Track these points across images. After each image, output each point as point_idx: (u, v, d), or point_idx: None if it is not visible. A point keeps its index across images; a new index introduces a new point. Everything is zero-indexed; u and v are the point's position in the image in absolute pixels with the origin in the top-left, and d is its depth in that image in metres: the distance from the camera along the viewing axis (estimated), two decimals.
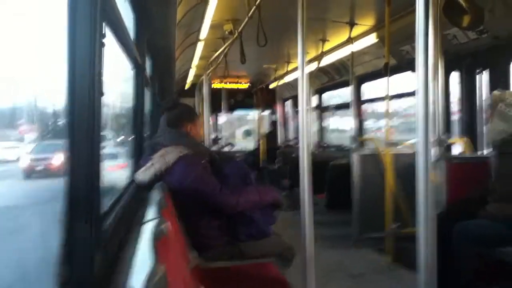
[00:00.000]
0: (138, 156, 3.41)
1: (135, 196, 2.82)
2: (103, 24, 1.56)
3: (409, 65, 4.54)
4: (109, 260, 1.57)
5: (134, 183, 2.77)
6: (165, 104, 2.78)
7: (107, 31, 1.69)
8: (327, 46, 6.01)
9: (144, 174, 2.39)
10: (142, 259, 1.02)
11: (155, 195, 2.01)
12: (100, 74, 1.48)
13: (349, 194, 4.45)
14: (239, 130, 14.42)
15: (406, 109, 8.77)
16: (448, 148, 3.86)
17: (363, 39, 5.26)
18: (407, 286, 3.21)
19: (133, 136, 3.55)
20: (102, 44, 1.54)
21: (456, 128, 4.48)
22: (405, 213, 4.00)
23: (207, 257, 2.38)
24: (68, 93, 1.36)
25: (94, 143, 1.42)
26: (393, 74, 4.21)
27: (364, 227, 4.38)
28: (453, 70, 4.34)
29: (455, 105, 4.46)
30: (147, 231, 1.27)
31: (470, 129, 4.27)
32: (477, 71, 4.18)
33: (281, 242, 2.67)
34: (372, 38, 5.20)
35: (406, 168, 4.11)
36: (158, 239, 1.25)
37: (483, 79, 4.16)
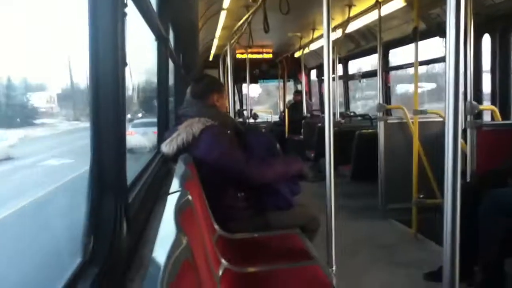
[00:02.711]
0: (164, 128, 3.44)
1: (161, 168, 2.85)
2: None
3: (439, 29, 4.37)
4: (135, 231, 1.60)
5: (159, 155, 2.80)
6: (191, 76, 2.77)
7: (129, 1, 1.67)
8: (354, 11, 5.84)
9: (170, 145, 2.39)
10: (167, 230, 1.03)
11: (180, 167, 2.02)
12: (123, 44, 1.46)
13: (375, 165, 4.40)
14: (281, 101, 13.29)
15: None
16: (479, 115, 3.74)
17: (391, 3, 5.07)
18: (434, 256, 3.19)
19: (158, 108, 3.58)
20: (124, 14, 1.52)
21: (487, 94, 4.32)
22: (432, 183, 3.93)
23: (232, 228, 2.39)
24: (90, 63, 1.35)
25: (119, 114, 1.41)
26: (422, 39, 4.06)
27: (390, 197, 4.33)
28: (485, 33, 4.15)
29: (486, 70, 4.29)
30: (171, 202, 1.28)
31: (503, 96, 4.12)
32: None
33: (306, 213, 2.67)
34: (400, 2, 5.01)
35: (435, 137, 4.01)
36: (182, 210, 1.25)
37: None
